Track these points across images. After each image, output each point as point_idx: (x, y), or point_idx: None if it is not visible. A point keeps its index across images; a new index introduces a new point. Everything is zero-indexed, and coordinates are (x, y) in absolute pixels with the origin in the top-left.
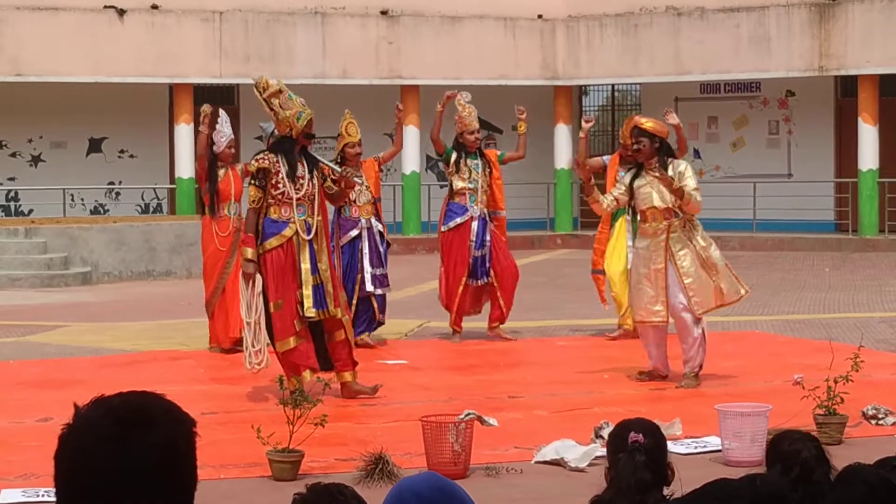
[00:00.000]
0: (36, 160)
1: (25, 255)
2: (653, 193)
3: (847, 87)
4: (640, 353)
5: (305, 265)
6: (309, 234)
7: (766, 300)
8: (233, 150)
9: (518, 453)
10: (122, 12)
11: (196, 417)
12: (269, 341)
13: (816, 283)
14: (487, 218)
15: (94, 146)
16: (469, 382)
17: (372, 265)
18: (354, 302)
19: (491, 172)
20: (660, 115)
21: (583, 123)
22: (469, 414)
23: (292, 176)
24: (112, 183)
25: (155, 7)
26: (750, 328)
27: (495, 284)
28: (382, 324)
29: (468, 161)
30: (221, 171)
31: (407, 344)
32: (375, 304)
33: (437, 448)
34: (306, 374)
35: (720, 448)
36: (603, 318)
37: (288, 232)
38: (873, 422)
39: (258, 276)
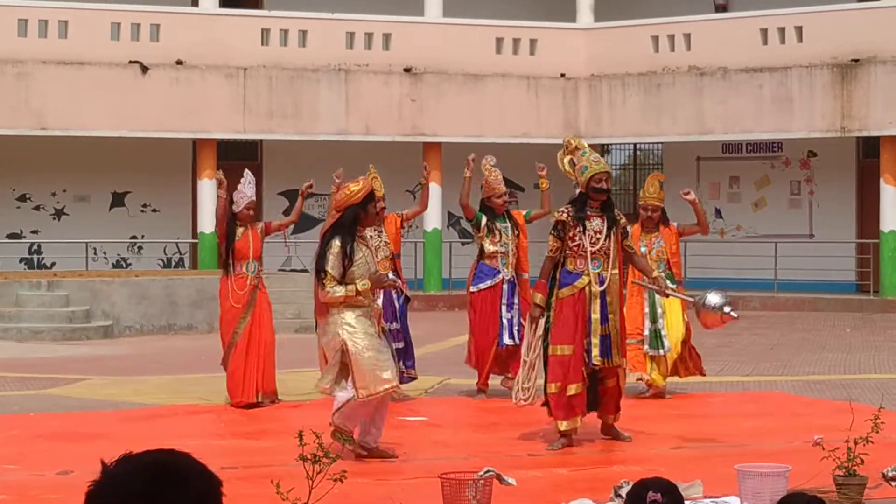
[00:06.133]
0: (59, 213)
1: (48, 308)
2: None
3: (869, 147)
4: (662, 411)
5: (595, 315)
6: (601, 285)
7: (786, 360)
8: (251, 212)
9: None
10: (146, 68)
11: (216, 472)
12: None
13: (837, 344)
14: (516, 281)
15: (117, 200)
16: (489, 440)
17: (385, 320)
18: None
19: (519, 234)
20: (682, 173)
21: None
22: (488, 471)
23: (585, 230)
24: (134, 237)
25: (179, 63)
26: (770, 388)
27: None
28: (414, 379)
29: (497, 224)
30: (240, 231)
31: (427, 401)
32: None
33: None
34: (578, 418)
35: None
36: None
37: (580, 283)
38: (893, 483)
39: (541, 321)
